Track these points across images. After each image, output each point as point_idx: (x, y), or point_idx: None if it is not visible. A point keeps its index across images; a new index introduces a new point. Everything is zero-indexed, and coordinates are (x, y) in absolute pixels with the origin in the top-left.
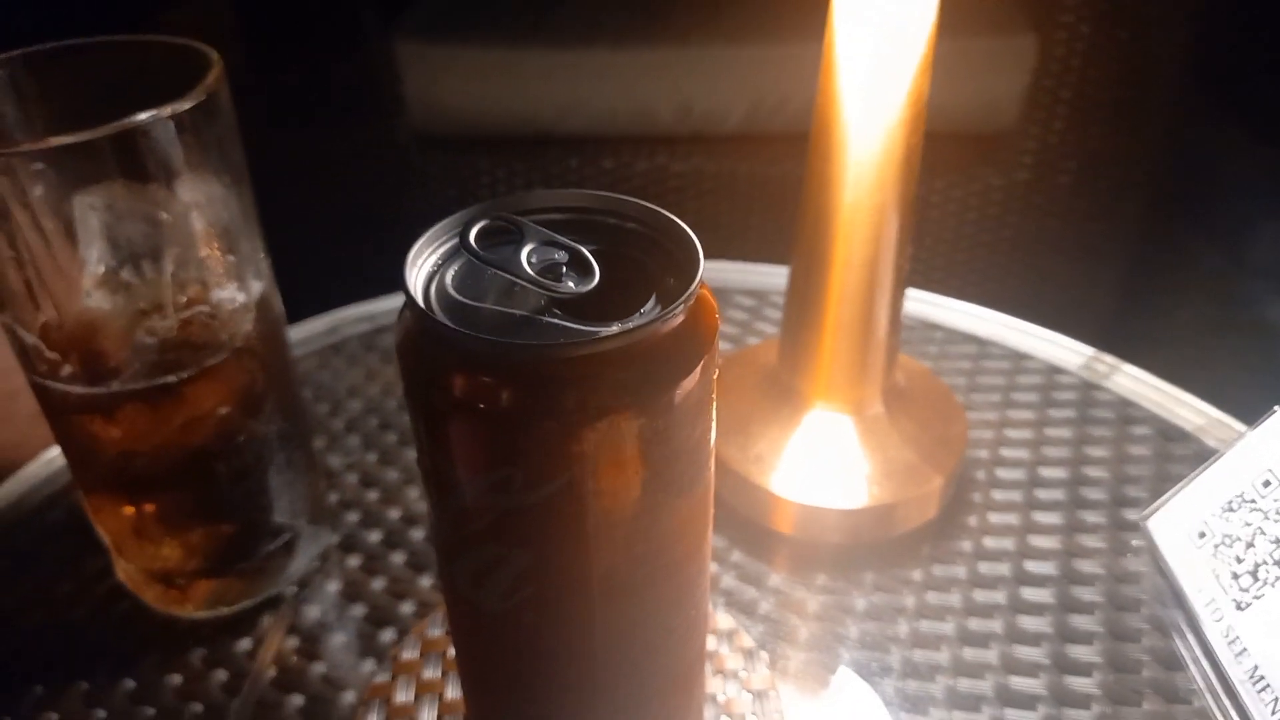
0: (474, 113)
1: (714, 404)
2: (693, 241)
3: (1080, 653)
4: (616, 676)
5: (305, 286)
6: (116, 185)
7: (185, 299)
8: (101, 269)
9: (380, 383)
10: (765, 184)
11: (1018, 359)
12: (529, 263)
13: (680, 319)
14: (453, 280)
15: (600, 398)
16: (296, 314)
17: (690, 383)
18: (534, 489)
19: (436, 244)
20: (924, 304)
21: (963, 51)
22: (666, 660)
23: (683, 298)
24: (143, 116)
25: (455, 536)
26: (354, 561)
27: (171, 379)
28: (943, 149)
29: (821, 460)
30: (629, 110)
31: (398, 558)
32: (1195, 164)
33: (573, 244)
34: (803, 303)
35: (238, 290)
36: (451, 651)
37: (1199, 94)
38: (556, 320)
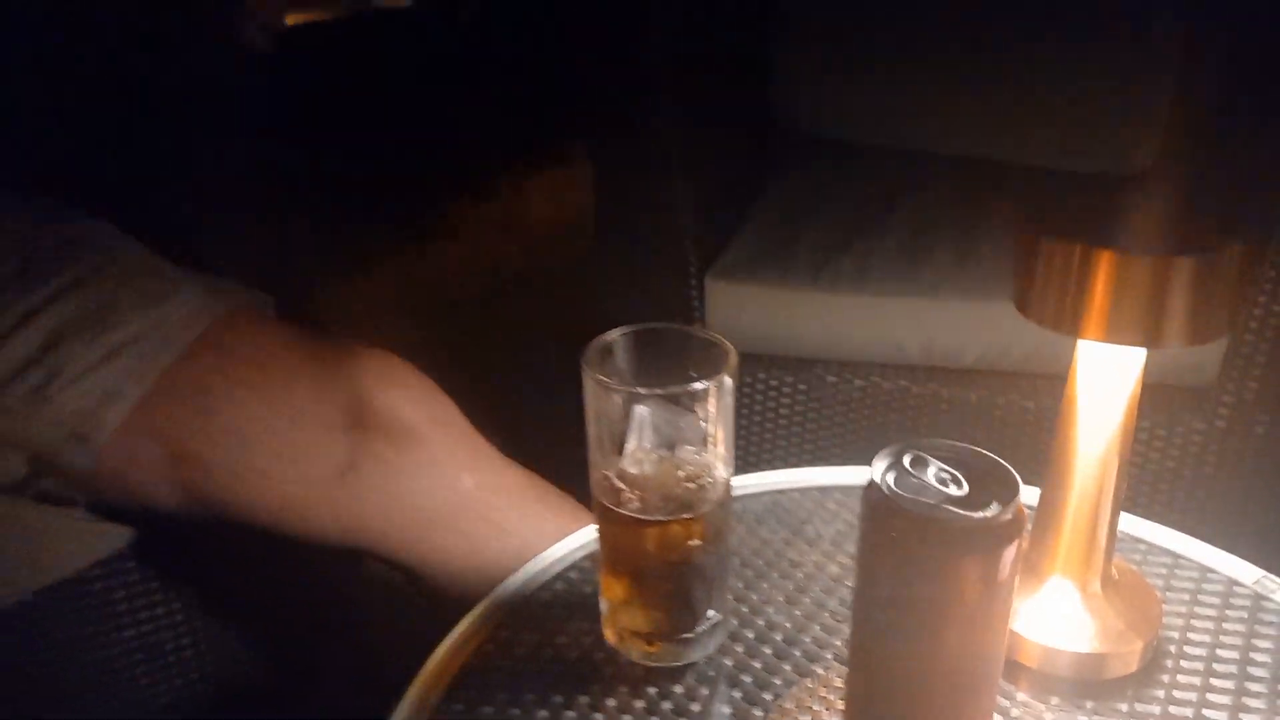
0: (759, 336)
1: (1019, 565)
2: (1016, 479)
3: None
4: (954, 698)
5: None
6: (663, 405)
7: (692, 471)
8: (648, 446)
9: (751, 543)
10: (991, 410)
11: (1204, 571)
12: (934, 477)
13: (1010, 516)
14: (892, 480)
15: (971, 547)
16: None
17: (1012, 548)
18: (928, 587)
19: (884, 460)
20: (1133, 523)
21: None
22: (976, 697)
23: (1010, 505)
24: (698, 385)
25: (873, 611)
26: (739, 648)
27: (683, 516)
28: (1151, 397)
29: (1056, 616)
30: (882, 343)
31: (766, 649)
32: None
33: (954, 471)
34: (1051, 507)
35: (721, 470)
36: (815, 706)
37: None
38: (949, 507)
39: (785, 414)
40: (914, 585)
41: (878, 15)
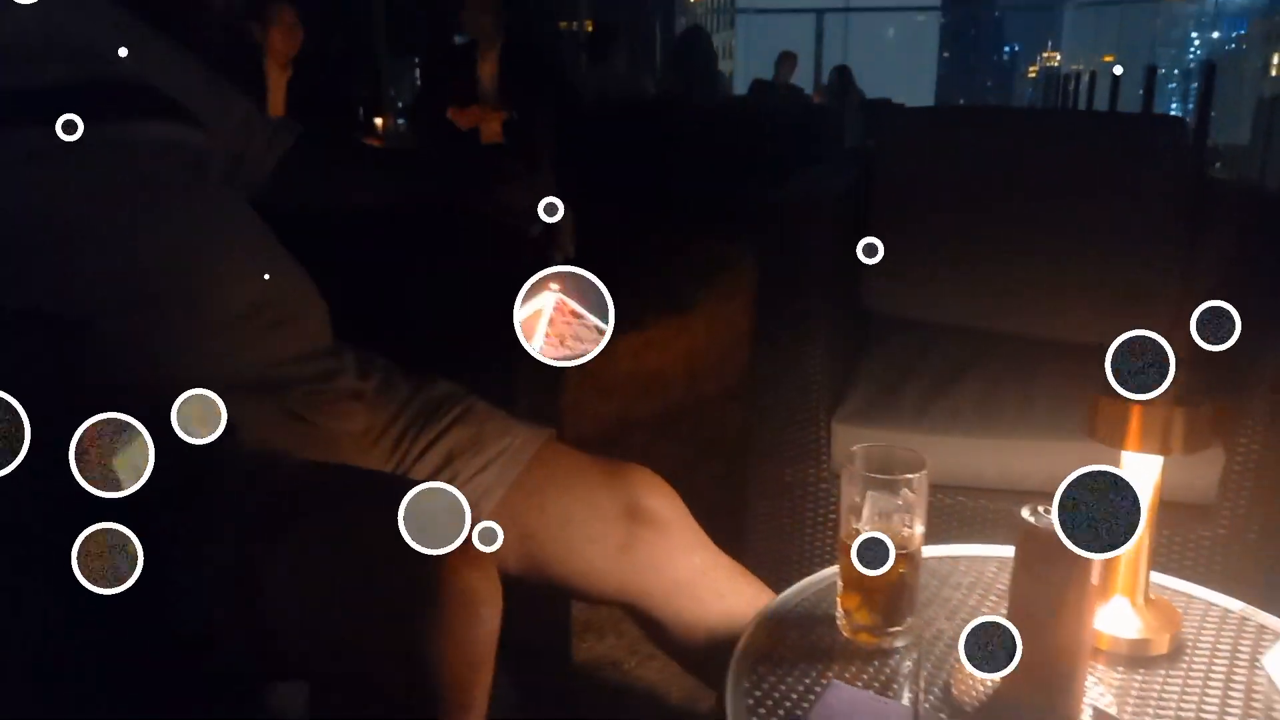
0: None
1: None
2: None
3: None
4: (1069, 659)
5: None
6: (886, 488)
7: (906, 534)
8: (873, 520)
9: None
10: None
11: (1207, 605)
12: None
13: None
14: (1032, 519)
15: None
16: None
17: (1097, 561)
18: (1055, 578)
19: (1026, 509)
20: (1165, 579)
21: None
22: (1080, 658)
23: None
24: (910, 476)
25: (1023, 596)
26: (923, 640)
27: (903, 571)
28: (1165, 511)
29: (1118, 617)
30: (968, 470)
31: (941, 642)
32: None
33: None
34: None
35: (920, 527)
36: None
37: None
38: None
39: None
40: (1046, 578)
41: (944, 233)
